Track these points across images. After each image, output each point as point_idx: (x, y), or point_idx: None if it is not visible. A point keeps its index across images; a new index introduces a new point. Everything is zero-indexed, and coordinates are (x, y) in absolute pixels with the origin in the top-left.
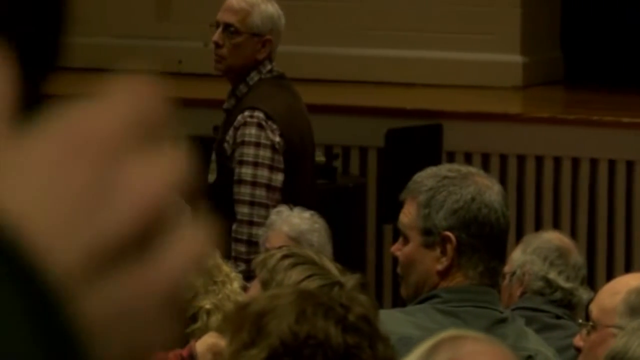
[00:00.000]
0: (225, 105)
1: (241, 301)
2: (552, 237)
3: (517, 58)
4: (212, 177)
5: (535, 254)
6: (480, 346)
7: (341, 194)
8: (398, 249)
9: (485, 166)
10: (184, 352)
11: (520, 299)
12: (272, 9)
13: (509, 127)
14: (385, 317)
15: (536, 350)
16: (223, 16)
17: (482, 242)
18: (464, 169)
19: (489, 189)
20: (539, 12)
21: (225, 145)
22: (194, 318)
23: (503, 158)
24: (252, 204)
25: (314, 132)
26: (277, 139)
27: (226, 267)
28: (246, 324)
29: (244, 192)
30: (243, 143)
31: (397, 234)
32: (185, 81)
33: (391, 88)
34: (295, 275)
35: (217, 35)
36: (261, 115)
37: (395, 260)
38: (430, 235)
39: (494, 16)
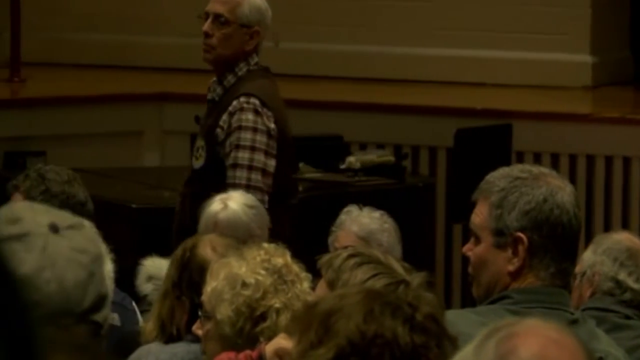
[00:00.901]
0: (209, 95)
1: (309, 301)
2: (622, 238)
3: (587, 58)
4: (197, 163)
5: (605, 254)
6: (538, 322)
7: (410, 193)
8: (470, 249)
9: (555, 166)
10: (254, 353)
11: (590, 299)
12: (260, 1)
13: (579, 127)
14: (456, 317)
15: (607, 351)
16: (213, 7)
17: (553, 243)
18: (536, 169)
19: (561, 190)
20: (608, 13)
21: (218, 130)
22: (263, 317)
23: (572, 158)
24: (247, 187)
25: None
26: (272, 125)
27: (296, 267)
28: (314, 324)
29: (240, 175)
30: (240, 128)
31: (467, 233)
32: None
33: (461, 88)
34: (361, 274)
35: (207, 26)
36: (257, 101)
37: (464, 260)
38: (502, 236)
39: (563, 16)
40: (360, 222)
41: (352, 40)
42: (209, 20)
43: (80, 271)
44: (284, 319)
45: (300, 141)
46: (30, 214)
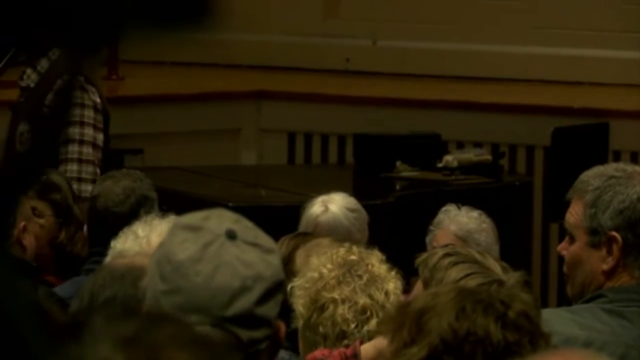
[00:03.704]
0: (24, 83)
1: (402, 300)
2: None
3: None
4: (23, 147)
5: None
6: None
7: (507, 192)
8: (564, 248)
9: None
10: (348, 351)
11: None
12: None
13: None
14: (551, 316)
15: None
16: None
17: None
18: (630, 168)
19: None
20: None
21: (46, 110)
22: (323, 308)
23: None
24: (80, 161)
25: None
26: (98, 100)
27: (380, 268)
28: (407, 323)
29: (72, 150)
30: None
31: (563, 232)
32: (352, 79)
33: (558, 86)
34: (455, 273)
35: None
36: (82, 78)
37: (561, 258)
38: (596, 235)
39: None
40: (459, 221)
41: (450, 38)
42: None
43: (232, 280)
44: (341, 310)
45: (397, 139)
46: (220, 218)
